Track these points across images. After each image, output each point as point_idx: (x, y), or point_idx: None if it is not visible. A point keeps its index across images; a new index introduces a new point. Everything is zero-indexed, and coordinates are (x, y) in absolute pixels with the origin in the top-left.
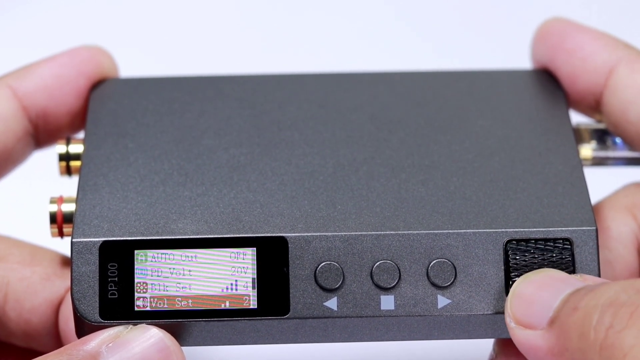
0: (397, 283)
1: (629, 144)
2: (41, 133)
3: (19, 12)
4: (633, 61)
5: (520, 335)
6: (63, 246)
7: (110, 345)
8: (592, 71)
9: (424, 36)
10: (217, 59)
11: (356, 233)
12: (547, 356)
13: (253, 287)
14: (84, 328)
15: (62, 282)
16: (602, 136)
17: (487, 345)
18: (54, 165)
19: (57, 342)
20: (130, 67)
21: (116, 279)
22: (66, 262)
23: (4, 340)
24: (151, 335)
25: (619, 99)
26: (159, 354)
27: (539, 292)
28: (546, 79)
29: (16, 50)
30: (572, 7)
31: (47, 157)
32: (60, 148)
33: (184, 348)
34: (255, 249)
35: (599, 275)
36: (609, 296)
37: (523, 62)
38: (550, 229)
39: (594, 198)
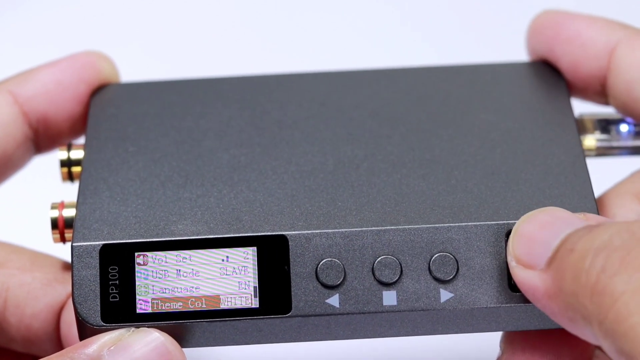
0: (399, 278)
1: None
2: (41, 138)
3: (20, 14)
4: (632, 39)
5: (520, 275)
6: (65, 252)
7: (112, 348)
8: (593, 56)
9: (420, 32)
10: (216, 60)
11: (357, 229)
12: (543, 298)
13: (254, 286)
14: (86, 332)
15: (63, 288)
16: (605, 126)
17: (490, 338)
18: (56, 170)
19: (58, 347)
20: (129, 70)
21: (117, 282)
22: (67, 267)
23: (3, 346)
24: (152, 339)
25: (623, 79)
26: (161, 358)
27: (540, 231)
28: (546, 70)
29: (17, 53)
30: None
31: (49, 163)
32: (61, 154)
33: (186, 349)
34: (255, 248)
35: None
36: (604, 239)
37: (519, 55)
38: None
39: (600, 188)
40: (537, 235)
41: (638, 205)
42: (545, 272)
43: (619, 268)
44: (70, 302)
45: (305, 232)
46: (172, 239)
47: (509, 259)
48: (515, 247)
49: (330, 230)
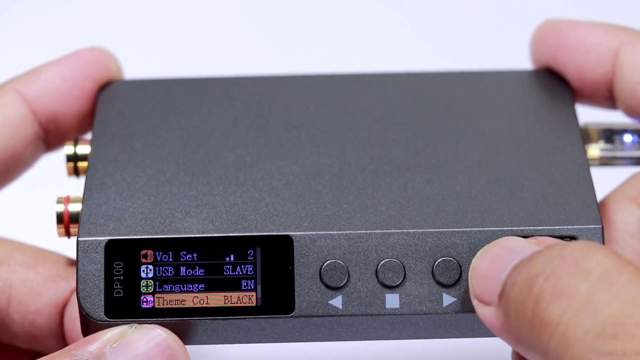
0: (402, 281)
1: None
2: (51, 136)
3: (23, 11)
4: (634, 42)
5: (480, 313)
6: (68, 247)
7: (114, 345)
8: (598, 61)
9: (428, 38)
10: (224, 60)
11: (361, 231)
12: (501, 334)
13: (258, 286)
14: (89, 326)
15: (67, 284)
16: (610, 136)
17: (491, 344)
18: (60, 166)
19: (62, 343)
20: (136, 68)
21: (122, 277)
22: (71, 263)
23: (7, 342)
24: (155, 335)
25: (627, 82)
26: (163, 355)
27: (491, 266)
28: (551, 78)
29: (20, 50)
30: (567, 9)
31: (52, 158)
32: (68, 149)
33: (189, 347)
34: (260, 247)
35: None
36: (538, 269)
37: (525, 61)
38: (556, 227)
39: (602, 197)
40: (489, 271)
41: (636, 208)
42: (498, 307)
43: (552, 297)
44: (74, 298)
45: (310, 233)
46: (178, 236)
47: (472, 297)
48: (473, 285)
49: (335, 232)
